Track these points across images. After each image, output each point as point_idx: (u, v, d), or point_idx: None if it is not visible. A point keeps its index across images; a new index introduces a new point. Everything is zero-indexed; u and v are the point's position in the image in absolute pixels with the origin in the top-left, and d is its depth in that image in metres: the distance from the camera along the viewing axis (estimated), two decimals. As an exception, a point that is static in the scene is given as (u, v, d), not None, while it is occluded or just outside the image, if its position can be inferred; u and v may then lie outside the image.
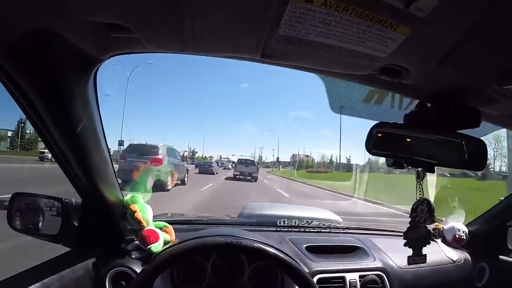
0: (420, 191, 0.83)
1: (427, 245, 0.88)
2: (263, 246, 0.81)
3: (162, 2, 0.45)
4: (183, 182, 9.72)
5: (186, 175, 10.29)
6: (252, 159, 21.11)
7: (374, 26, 0.45)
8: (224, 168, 25.64)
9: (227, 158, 45.43)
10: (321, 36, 0.48)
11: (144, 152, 8.19)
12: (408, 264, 0.92)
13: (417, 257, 0.89)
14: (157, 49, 0.61)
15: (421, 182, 0.81)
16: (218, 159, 45.05)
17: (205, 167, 18.65)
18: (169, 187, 8.10)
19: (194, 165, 16.31)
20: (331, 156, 52.68)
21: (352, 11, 0.43)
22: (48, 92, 0.59)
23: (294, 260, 0.86)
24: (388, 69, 0.59)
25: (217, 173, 18.96)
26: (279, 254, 0.81)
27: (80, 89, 0.64)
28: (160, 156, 8.25)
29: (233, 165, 21.87)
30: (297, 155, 52.67)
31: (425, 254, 0.89)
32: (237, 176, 16.00)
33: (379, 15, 0.44)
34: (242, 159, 17.97)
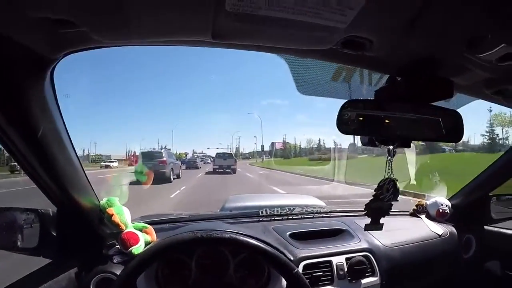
0: (389, 168, 0.82)
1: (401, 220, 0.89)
2: (234, 235, 0.80)
3: None
4: (178, 176, 12.68)
5: (180, 171, 13.87)
6: (230, 152, 22.49)
7: None
8: (204, 163, 28.01)
9: (202, 153, 43.49)
10: (271, 10, 0.45)
11: (152, 156, 11.75)
12: (365, 230, 0.94)
13: (374, 225, 0.91)
14: (106, 42, 0.58)
15: (391, 160, 0.81)
16: (192, 154, 43.24)
17: (191, 163, 22.09)
18: (172, 180, 11.14)
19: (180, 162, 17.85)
20: (319, 141, 47.23)
21: None
22: (2, 98, 0.57)
23: (277, 248, 0.86)
24: (351, 42, 0.57)
25: (200, 167, 21.80)
26: (250, 240, 0.80)
27: (36, 91, 0.62)
28: (164, 158, 11.57)
29: (212, 159, 23.07)
30: (275, 143, 48.32)
31: (382, 223, 0.91)
32: (217, 170, 16.66)
33: None
34: (220, 153, 18.91)
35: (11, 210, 0.92)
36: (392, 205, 0.89)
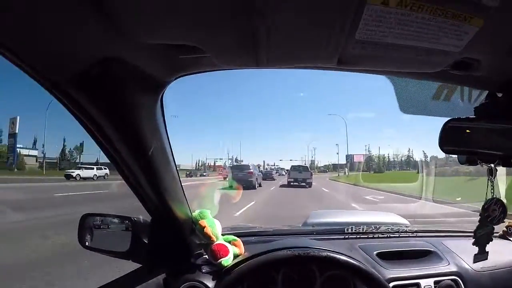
0: (492, 188, 0.78)
1: (490, 243, 0.87)
2: (331, 254, 0.81)
3: (233, 16, 0.44)
4: (260, 185, 15.49)
5: (261, 181, 16.79)
6: (305, 165, 21.95)
7: (448, 21, 0.45)
8: (279, 175, 28.68)
9: (274, 165, 41.69)
10: (397, 38, 0.48)
11: (242, 168, 15.38)
12: (474, 262, 0.90)
13: (482, 255, 0.87)
14: (229, 67, 0.59)
15: (493, 179, 0.76)
16: (263, 166, 41.25)
17: (267, 175, 23.12)
18: (256, 188, 14.02)
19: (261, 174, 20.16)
20: (409, 151, 38.36)
21: (427, 8, 0.43)
22: (117, 117, 0.60)
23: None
24: (459, 63, 0.57)
25: (275, 179, 22.80)
26: (349, 260, 0.81)
27: (149, 112, 0.65)
28: (251, 170, 14.84)
29: (286, 171, 22.64)
30: (353, 156, 36.29)
31: (488, 251, 0.87)
32: (292, 183, 15.89)
33: (453, 9, 0.43)
34: (295, 166, 18.24)
35: (105, 216, 0.96)
36: (494, 229, 0.85)
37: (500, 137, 0.66)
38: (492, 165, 0.73)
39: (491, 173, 0.75)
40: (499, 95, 0.68)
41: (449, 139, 0.65)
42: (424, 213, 6.29)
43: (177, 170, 0.84)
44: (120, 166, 0.72)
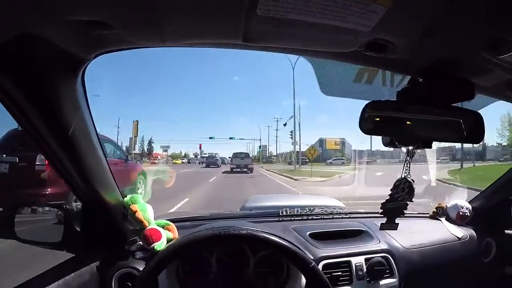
0: (406, 169, 0.83)
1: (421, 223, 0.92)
2: (251, 231, 0.81)
3: None
4: (219, 166, 25.65)
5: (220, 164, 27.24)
6: (247, 152, 24.51)
7: None
8: (222, 163, 31.83)
9: (201, 150, 44.30)
10: (300, 14, 0.47)
11: (212, 157, 30.59)
12: (380, 229, 0.98)
13: (389, 224, 0.95)
14: (138, 43, 0.60)
15: (410, 160, 0.81)
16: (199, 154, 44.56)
17: (210, 163, 28.99)
18: (219, 166, 25.64)
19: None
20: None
21: None
22: (36, 96, 0.59)
23: (297, 247, 0.86)
24: (374, 44, 0.58)
25: (220, 166, 27.70)
26: (269, 236, 0.81)
27: (68, 90, 0.64)
28: (217, 158, 29.73)
29: (229, 158, 24.67)
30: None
31: (397, 223, 0.95)
32: (234, 169, 17.11)
33: None
34: (237, 153, 19.47)
35: (37, 205, 0.94)
36: (407, 205, 0.90)
37: (420, 122, 0.68)
38: (410, 147, 0.77)
39: (409, 154, 0.79)
40: (420, 80, 0.69)
41: (369, 121, 0.66)
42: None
43: (104, 152, 0.81)
44: (44, 150, 0.69)
